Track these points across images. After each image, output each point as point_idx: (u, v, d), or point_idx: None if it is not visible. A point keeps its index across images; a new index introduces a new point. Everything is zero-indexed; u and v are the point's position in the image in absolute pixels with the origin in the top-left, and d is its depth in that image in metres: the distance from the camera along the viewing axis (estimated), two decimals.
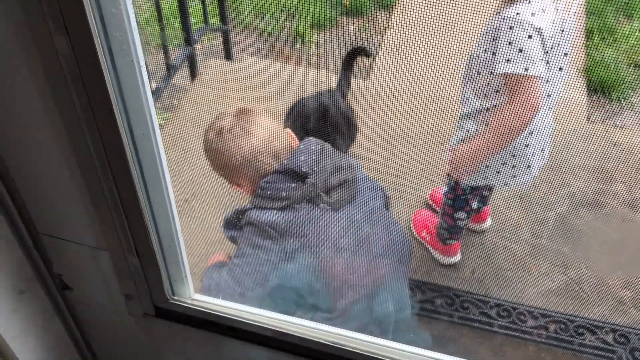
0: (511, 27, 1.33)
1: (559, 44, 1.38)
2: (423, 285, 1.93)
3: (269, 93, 2.26)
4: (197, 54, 2.86)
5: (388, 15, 3.43)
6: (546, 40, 1.34)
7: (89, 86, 0.64)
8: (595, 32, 3.34)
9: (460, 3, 1.68)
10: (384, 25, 3.36)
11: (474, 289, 1.93)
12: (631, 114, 2.99)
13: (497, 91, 1.45)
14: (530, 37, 1.32)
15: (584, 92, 2.99)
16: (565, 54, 1.42)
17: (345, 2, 3.49)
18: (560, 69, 1.44)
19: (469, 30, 1.68)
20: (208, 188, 2.20)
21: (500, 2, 1.39)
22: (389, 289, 1.51)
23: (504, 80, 1.39)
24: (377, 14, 3.48)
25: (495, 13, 1.42)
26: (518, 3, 1.34)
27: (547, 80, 1.42)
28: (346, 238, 1.40)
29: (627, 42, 3.42)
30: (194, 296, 0.96)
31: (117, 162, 0.72)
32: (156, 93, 2.41)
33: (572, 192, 2.23)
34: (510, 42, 1.33)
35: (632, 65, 3.26)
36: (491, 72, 1.42)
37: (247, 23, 3.39)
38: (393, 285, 1.53)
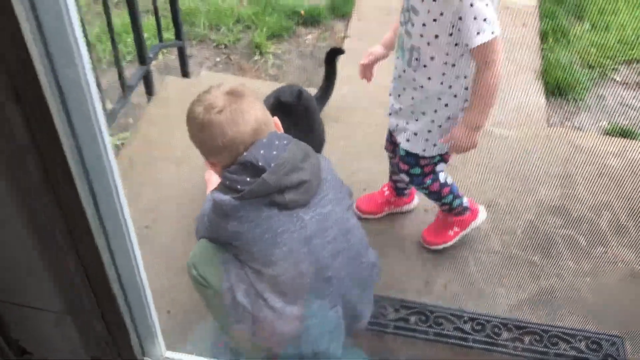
0: (471, 5, 1.47)
1: None
2: (396, 303, 1.91)
3: None
4: (153, 69, 2.78)
5: (345, 24, 3.41)
6: (494, 1, 1.52)
7: (45, 150, 0.59)
8: (549, 35, 3.38)
9: None
10: (342, 35, 3.34)
11: (448, 304, 1.92)
12: (587, 114, 3.04)
13: (457, 65, 1.61)
14: (487, 5, 1.48)
15: (542, 95, 3.03)
16: None
17: (301, 12, 3.45)
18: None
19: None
20: (170, 213, 2.13)
21: None
22: (338, 292, 1.50)
23: (475, 52, 1.54)
24: (334, 23, 3.46)
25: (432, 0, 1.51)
26: None
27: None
28: (288, 235, 1.39)
29: (580, 43, 3.48)
30: (165, 354, 0.91)
31: (77, 223, 0.66)
32: (112, 115, 2.32)
33: (539, 199, 2.24)
34: (475, 17, 1.48)
35: (586, 66, 3.32)
36: (447, 53, 1.57)
37: (202, 35, 3.32)
38: (345, 290, 1.52)
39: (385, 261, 2.03)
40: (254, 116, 1.41)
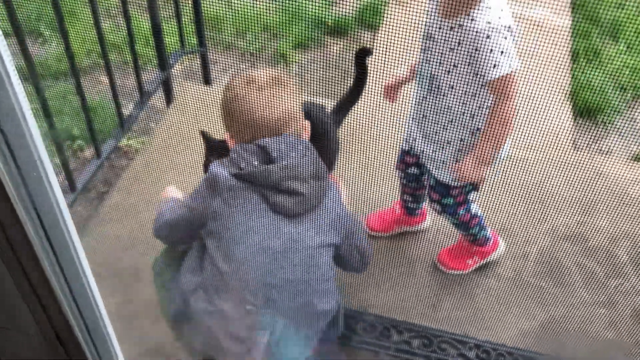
0: (488, 37, 1.43)
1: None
2: (400, 325, 1.87)
3: None
4: (176, 74, 2.80)
5: (373, 36, 3.38)
6: (515, 32, 1.48)
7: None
8: (581, 54, 3.30)
9: None
10: (369, 46, 3.30)
11: (453, 329, 1.87)
12: (617, 138, 2.96)
13: (477, 95, 1.56)
14: (505, 38, 1.44)
15: (570, 117, 2.95)
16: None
17: (328, 22, 3.44)
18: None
19: None
20: None
21: (443, 17, 1.49)
22: (273, 319, 1.44)
23: (492, 84, 1.49)
24: (362, 34, 3.43)
25: (449, 29, 1.49)
26: (478, 12, 1.44)
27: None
28: (258, 236, 1.36)
29: (613, 64, 3.39)
30: None
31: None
32: (129, 120, 2.34)
33: (556, 225, 2.17)
34: (491, 50, 1.44)
35: (618, 87, 3.22)
36: (466, 83, 1.53)
37: (227, 43, 3.33)
38: (280, 322, 1.45)
39: (392, 281, 2.00)
40: (288, 108, 1.39)
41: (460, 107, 1.59)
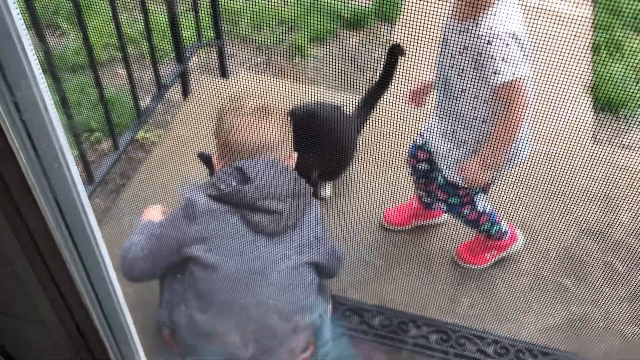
0: (489, 42, 1.40)
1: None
2: (418, 320, 1.85)
3: None
4: (192, 67, 2.79)
5: (390, 29, 3.35)
6: (522, 40, 1.43)
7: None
8: (602, 47, 3.25)
9: None
10: (386, 39, 3.29)
11: (471, 324, 1.85)
12: (639, 132, 2.91)
13: (487, 100, 1.53)
14: (507, 45, 1.41)
15: (591, 111, 2.91)
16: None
17: (345, 14, 3.41)
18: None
19: None
20: None
21: (456, 19, 1.47)
22: (250, 335, 1.44)
23: (496, 91, 1.47)
24: (379, 27, 3.40)
25: (458, 32, 1.48)
26: (484, 17, 1.41)
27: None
28: (238, 255, 1.36)
29: (636, 57, 3.33)
30: None
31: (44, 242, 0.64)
32: (147, 112, 2.34)
33: (577, 220, 2.14)
34: (492, 56, 1.41)
35: None
36: (476, 87, 1.51)
37: (243, 36, 3.31)
38: (260, 338, 1.45)
39: (409, 275, 1.98)
40: (271, 137, 1.41)
41: (471, 111, 1.59)
